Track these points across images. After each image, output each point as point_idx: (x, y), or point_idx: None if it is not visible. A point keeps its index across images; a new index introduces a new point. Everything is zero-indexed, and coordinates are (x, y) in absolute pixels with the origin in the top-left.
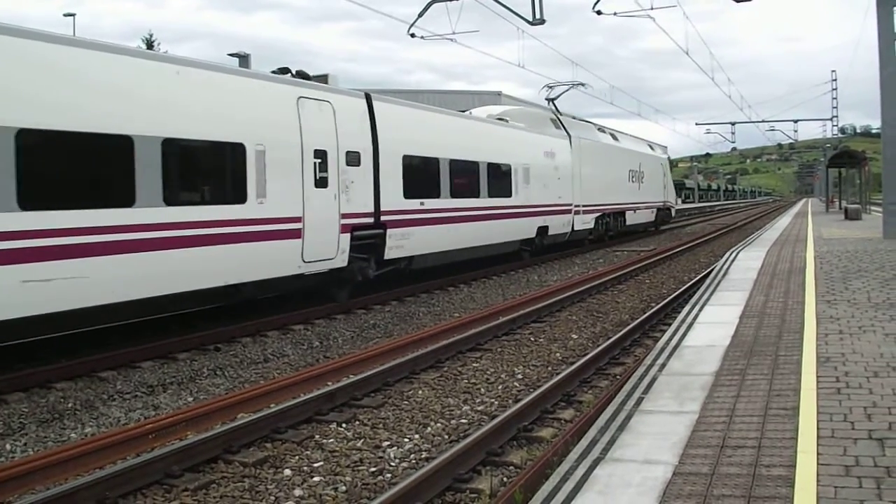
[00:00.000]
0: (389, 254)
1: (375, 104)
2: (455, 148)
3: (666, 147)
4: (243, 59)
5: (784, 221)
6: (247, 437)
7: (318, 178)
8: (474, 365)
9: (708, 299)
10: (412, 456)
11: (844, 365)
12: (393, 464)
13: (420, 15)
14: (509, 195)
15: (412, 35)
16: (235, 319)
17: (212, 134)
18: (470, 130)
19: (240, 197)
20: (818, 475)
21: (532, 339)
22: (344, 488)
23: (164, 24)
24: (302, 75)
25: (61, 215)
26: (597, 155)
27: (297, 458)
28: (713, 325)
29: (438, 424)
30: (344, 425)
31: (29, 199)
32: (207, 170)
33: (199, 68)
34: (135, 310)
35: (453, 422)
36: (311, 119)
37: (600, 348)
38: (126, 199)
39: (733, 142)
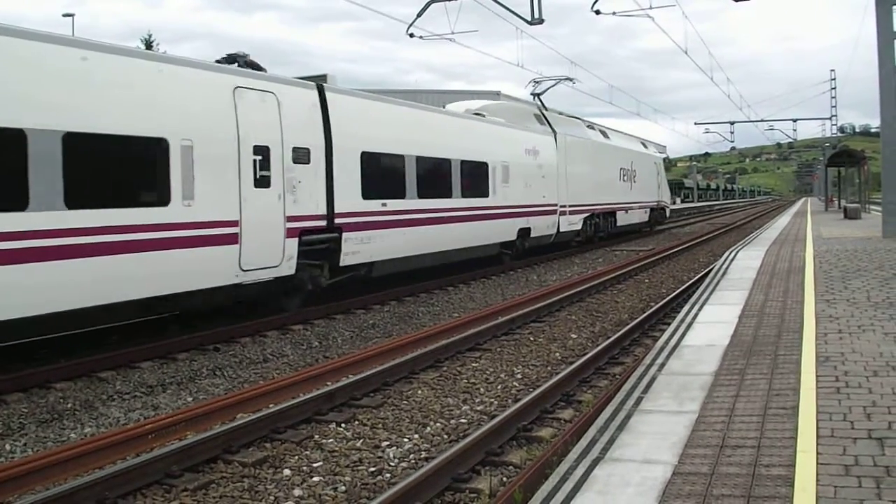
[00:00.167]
0: (346, 260)
1: (329, 96)
2: (423, 144)
3: (665, 146)
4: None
5: (783, 221)
6: (246, 437)
7: (258, 176)
8: (473, 365)
9: (707, 299)
10: (411, 456)
11: (844, 364)
12: (392, 464)
13: (419, 15)
14: (486, 195)
15: (411, 35)
16: (235, 320)
17: (126, 127)
18: (440, 125)
19: (162, 198)
20: (818, 475)
21: (531, 338)
22: (343, 488)
23: (162, 25)
24: (252, 65)
25: None
26: (585, 152)
27: (296, 458)
28: (712, 324)
29: (438, 424)
30: (343, 425)
31: None
32: (120, 168)
33: (113, 53)
34: (27, 328)
35: (453, 422)
36: (251, 111)
37: (599, 348)
38: (17, 202)
39: (732, 141)
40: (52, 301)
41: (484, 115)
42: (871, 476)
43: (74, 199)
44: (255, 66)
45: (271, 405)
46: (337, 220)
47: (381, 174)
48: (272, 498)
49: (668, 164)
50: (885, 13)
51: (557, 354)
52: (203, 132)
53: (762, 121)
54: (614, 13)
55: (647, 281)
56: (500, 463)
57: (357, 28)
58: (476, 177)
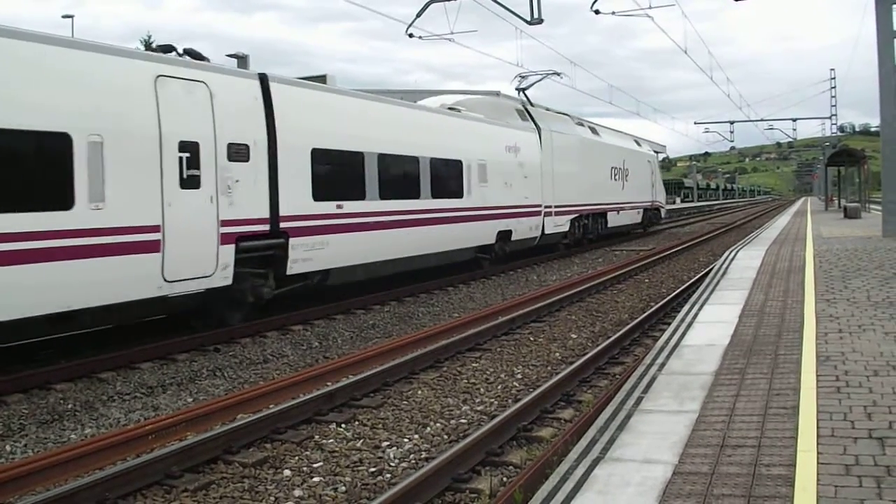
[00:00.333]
0: (294, 268)
1: (274, 87)
2: (386, 141)
3: (665, 146)
4: (242, 60)
5: (783, 220)
6: (246, 437)
7: (185, 176)
8: (474, 365)
9: (707, 298)
10: (412, 456)
11: (844, 364)
12: (392, 464)
13: (418, 15)
14: (460, 195)
15: (410, 35)
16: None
17: (19, 120)
18: (407, 121)
19: (62, 201)
20: (818, 474)
21: (531, 338)
22: (344, 488)
23: (162, 26)
24: (192, 55)
25: None
26: (572, 150)
27: (296, 458)
28: (712, 324)
29: (438, 424)
30: (343, 426)
31: None
32: (12, 166)
33: (5, 37)
34: None
35: (453, 422)
36: (176, 103)
37: (600, 348)
38: None
39: (732, 141)
40: None
41: (460, 111)
42: (872, 476)
43: None
44: (197, 56)
45: (271, 406)
46: (283, 225)
47: (335, 173)
48: (272, 498)
49: (668, 163)
50: (884, 12)
51: (557, 354)
52: (116, 126)
53: (762, 120)
54: (614, 13)
55: (647, 281)
56: (500, 463)
57: (357, 28)
58: (448, 176)
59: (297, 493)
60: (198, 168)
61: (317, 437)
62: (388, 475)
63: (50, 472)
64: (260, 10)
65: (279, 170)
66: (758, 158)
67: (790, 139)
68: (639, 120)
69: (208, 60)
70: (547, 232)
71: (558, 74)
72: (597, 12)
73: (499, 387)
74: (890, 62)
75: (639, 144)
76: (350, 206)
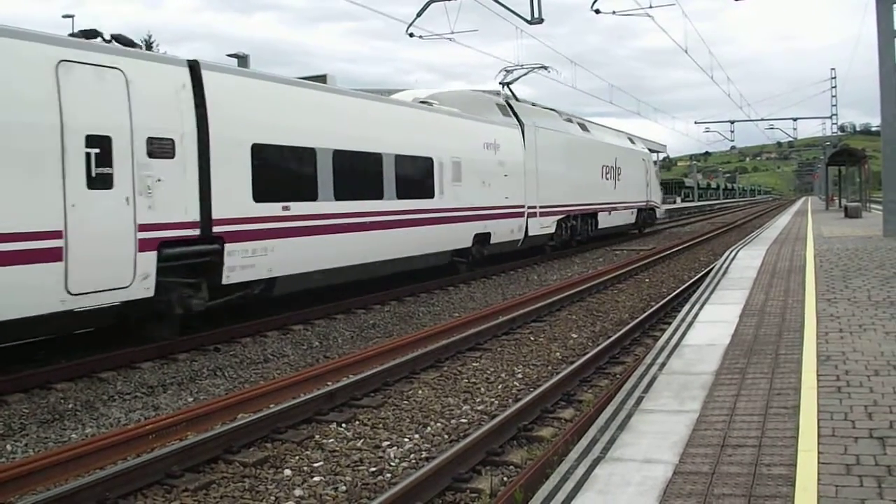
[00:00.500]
0: (231, 276)
1: (207, 75)
2: (343, 136)
3: (665, 145)
4: (242, 60)
5: (784, 220)
6: (247, 437)
7: (93, 175)
8: (474, 364)
9: (708, 298)
10: (412, 456)
11: (845, 363)
12: (393, 463)
13: (419, 15)
14: (431, 195)
15: (411, 35)
16: (235, 320)
17: None
18: (368, 114)
19: None
20: (819, 474)
21: (532, 338)
22: (344, 488)
23: (162, 26)
24: (122, 41)
25: None
26: (559, 147)
27: (297, 458)
28: (713, 323)
29: (438, 424)
30: (344, 425)
31: None
32: None
33: None
34: None
35: (453, 421)
36: (83, 92)
37: (600, 347)
38: None
39: (732, 140)
40: None
41: (431, 104)
42: (873, 475)
43: None
44: (128, 43)
45: (272, 405)
46: (216, 228)
47: (281, 171)
48: (273, 498)
49: (669, 163)
50: (885, 11)
51: (558, 354)
52: (5, 118)
53: (762, 120)
54: (614, 12)
55: (647, 280)
56: (500, 463)
57: (357, 28)
58: (417, 175)
59: (298, 492)
60: (110, 165)
61: (317, 436)
62: (389, 475)
63: (50, 471)
64: (260, 10)
65: (212, 167)
66: (758, 158)
67: (791, 139)
68: (639, 119)
69: (140, 47)
70: (531, 234)
71: (545, 69)
72: (597, 12)
73: (499, 386)
74: (890, 62)
75: (632, 142)
76: (299, 208)
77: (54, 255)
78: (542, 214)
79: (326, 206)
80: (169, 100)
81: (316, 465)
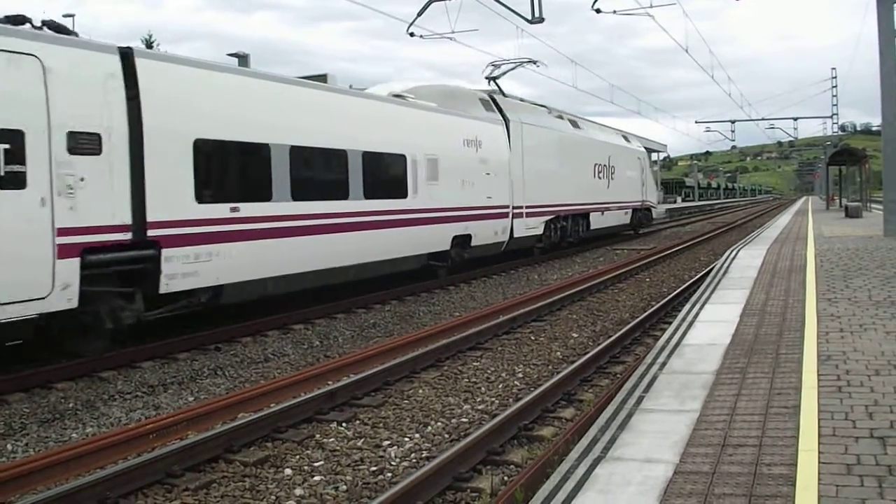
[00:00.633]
0: (171, 285)
1: (142, 63)
2: (302, 130)
3: (665, 145)
4: (243, 59)
5: (784, 220)
6: (247, 436)
7: (1, 173)
8: (475, 364)
9: (708, 298)
10: (413, 455)
11: (846, 363)
12: (393, 463)
13: (419, 14)
14: (403, 195)
15: (411, 34)
16: (236, 319)
17: None
18: (332, 108)
19: None
20: (820, 474)
21: (532, 337)
22: (345, 487)
23: (162, 26)
24: (53, 27)
25: None
26: (547, 144)
27: (297, 457)
28: (714, 323)
29: (439, 423)
30: (344, 424)
31: None
32: None
33: None
34: None
35: (454, 421)
36: None
37: (601, 347)
38: None
39: (733, 140)
40: None
41: (405, 98)
42: (874, 475)
43: None
44: (59, 29)
45: (272, 404)
46: (152, 232)
47: (230, 169)
48: (273, 497)
49: (669, 162)
50: (886, 11)
51: (558, 353)
52: None
53: (763, 119)
54: (615, 12)
55: (648, 280)
56: (501, 462)
57: (357, 27)
58: (387, 173)
59: (298, 491)
60: (22, 163)
61: (318, 436)
62: (389, 474)
63: (51, 470)
64: (260, 10)
65: (146, 165)
66: (759, 158)
67: (791, 138)
68: (640, 119)
69: (76, 35)
70: (516, 235)
71: (534, 63)
72: (598, 11)
73: (500, 386)
74: (891, 61)
75: (627, 140)
76: (250, 209)
77: None
78: (528, 215)
79: (282, 206)
80: (95, 90)
81: (316, 464)
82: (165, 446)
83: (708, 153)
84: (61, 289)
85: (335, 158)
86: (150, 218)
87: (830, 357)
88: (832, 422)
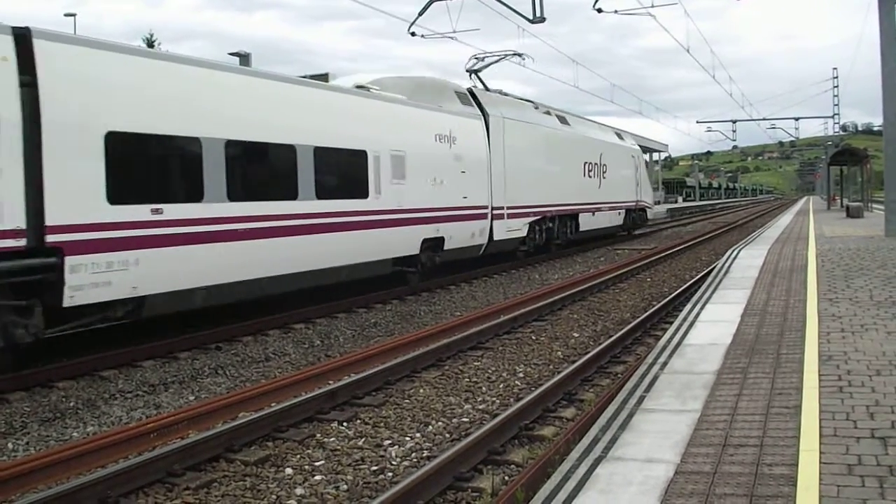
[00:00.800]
0: (78, 297)
1: (41, 45)
2: (240, 123)
3: (667, 145)
4: (244, 59)
5: (785, 220)
6: (248, 435)
7: None
8: (475, 363)
9: (709, 297)
10: (413, 455)
11: (847, 363)
12: (394, 462)
13: (420, 13)
14: (364, 195)
15: (413, 34)
16: (237, 318)
17: None
18: (276, 98)
19: None
20: (821, 474)
21: (533, 337)
22: (345, 487)
23: (163, 25)
24: None
25: None
26: (531, 141)
27: (298, 456)
28: (715, 323)
29: (440, 423)
30: (345, 424)
31: None
32: None
33: None
34: None
35: (455, 420)
36: None
37: (602, 347)
38: None
39: (734, 140)
40: None
41: (368, 89)
42: (875, 475)
43: None
44: None
45: (273, 404)
46: (52, 238)
47: (151, 166)
48: (274, 497)
49: (671, 162)
50: (887, 11)
51: (559, 353)
52: None
53: (764, 119)
54: (616, 11)
55: (649, 280)
56: (502, 462)
57: (359, 27)
58: (345, 171)
59: (299, 491)
60: None
61: (318, 435)
62: (390, 474)
63: (52, 470)
64: (261, 9)
65: (45, 161)
66: (760, 157)
67: (792, 138)
68: (641, 119)
69: None
70: (496, 238)
71: (520, 56)
72: (599, 11)
73: (501, 385)
74: (893, 61)
75: (620, 137)
76: (176, 211)
77: None
78: (510, 216)
79: (216, 208)
80: None
81: (317, 463)
82: (166, 445)
83: (709, 153)
84: None
85: (281, 154)
86: (49, 221)
87: (832, 357)
88: (833, 422)
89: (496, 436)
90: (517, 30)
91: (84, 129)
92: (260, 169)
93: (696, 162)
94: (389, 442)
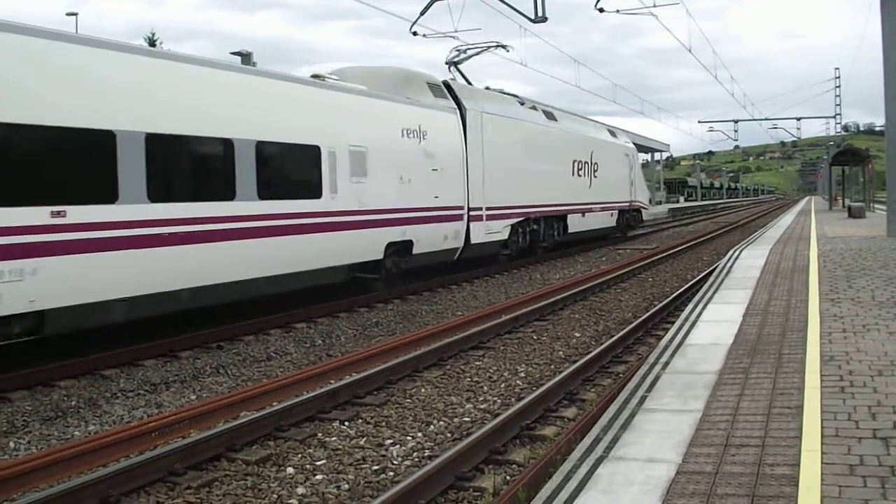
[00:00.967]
0: None
1: None
2: (164, 115)
3: (668, 145)
4: (245, 58)
5: (787, 220)
6: (250, 435)
7: None
8: (477, 363)
9: (711, 297)
10: (415, 454)
11: (848, 364)
12: (396, 462)
13: (422, 13)
14: (317, 195)
15: (414, 33)
16: (238, 318)
17: None
18: (210, 87)
19: None
20: (822, 474)
21: (535, 337)
22: (347, 486)
23: (165, 24)
24: None
25: None
26: (514, 138)
27: (299, 456)
28: (716, 323)
29: (441, 422)
30: (347, 423)
31: None
32: None
33: None
34: None
35: (456, 420)
36: None
37: (603, 346)
38: None
39: (736, 140)
40: None
41: (325, 79)
42: (877, 476)
43: None
44: None
45: (275, 403)
46: None
47: (52, 163)
48: (275, 496)
49: (672, 162)
50: (890, 11)
51: (561, 353)
52: None
53: (766, 119)
54: (618, 11)
55: (650, 280)
56: (503, 461)
57: (360, 26)
58: (294, 168)
59: (301, 490)
60: None
61: (320, 434)
62: (392, 473)
63: (53, 468)
64: (263, 8)
65: None
66: (762, 157)
67: (794, 138)
68: (643, 119)
69: None
70: (474, 241)
71: (504, 48)
72: (601, 10)
73: (502, 385)
74: (895, 61)
75: (613, 135)
76: (82, 214)
77: None
78: (490, 218)
79: (133, 210)
80: None
81: (319, 463)
82: (168, 444)
83: (711, 153)
84: None
85: (216, 150)
86: None
87: (833, 357)
88: (835, 422)
89: (498, 435)
90: (519, 29)
91: None
92: (189, 166)
93: (698, 162)
94: (391, 441)
